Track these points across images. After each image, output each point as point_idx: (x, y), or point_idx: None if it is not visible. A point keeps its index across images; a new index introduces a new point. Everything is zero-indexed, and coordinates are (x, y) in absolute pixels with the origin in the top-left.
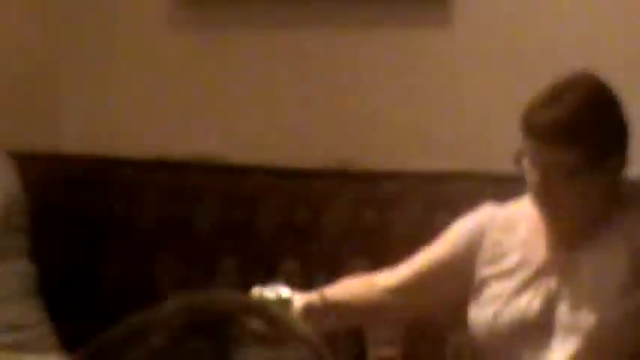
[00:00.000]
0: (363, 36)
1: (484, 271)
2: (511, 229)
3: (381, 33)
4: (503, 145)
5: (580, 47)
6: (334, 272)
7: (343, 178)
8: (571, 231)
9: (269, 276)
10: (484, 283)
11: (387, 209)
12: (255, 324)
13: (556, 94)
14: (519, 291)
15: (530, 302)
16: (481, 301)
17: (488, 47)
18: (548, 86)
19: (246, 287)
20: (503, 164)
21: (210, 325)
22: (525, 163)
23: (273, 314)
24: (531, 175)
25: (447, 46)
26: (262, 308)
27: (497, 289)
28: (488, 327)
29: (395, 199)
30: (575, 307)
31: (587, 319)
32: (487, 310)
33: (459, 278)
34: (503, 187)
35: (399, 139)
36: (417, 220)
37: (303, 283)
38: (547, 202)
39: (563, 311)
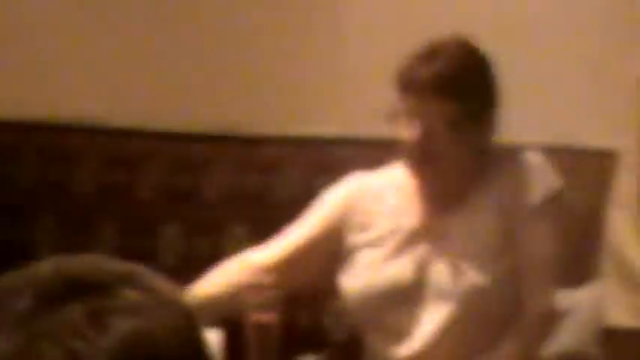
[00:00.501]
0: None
1: (355, 239)
2: (380, 197)
3: None
4: (383, 110)
5: (460, 13)
6: (215, 237)
7: (224, 142)
8: (444, 193)
9: (148, 239)
10: (355, 251)
11: (268, 174)
12: (130, 293)
13: (431, 52)
14: (391, 258)
15: (402, 269)
16: (352, 269)
17: (372, 13)
18: (422, 47)
19: (126, 251)
20: (383, 129)
21: (84, 292)
22: (401, 122)
23: (148, 283)
24: (410, 132)
25: (330, 12)
26: (138, 277)
27: (368, 257)
28: (361, 295)
29: (276, 163)
30: (447, 272)
31: (459, 284)
32: (359, 279)
33: (334, 248)
34: (382, 152)
35: (281, 103)
36: (298, 185)
37: (184, 248)
38: (427, 157)
39: (435, 277)
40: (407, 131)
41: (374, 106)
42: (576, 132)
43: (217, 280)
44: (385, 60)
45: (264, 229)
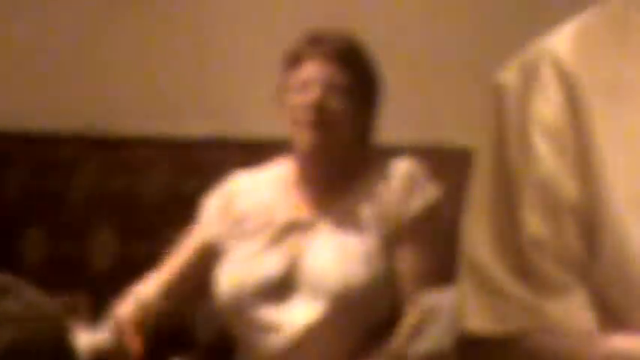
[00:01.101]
0: None
1: (229, 235)
2: (255, 192)
3: None
4: (254, 111)
5: (331, 10)
6: (82, 239)
7: (91, 142)
8: (325, 181)
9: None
10: (228, 246)
11: (135, 175)
12: (9, 304)
13: (322, 35)
14: (263, 252)
15: (273, 263)
16: (225, 264)
17: (240, 10)
18: (306, 36)
19: None
20: (253, 130)
21: None
22: (291, 97)
23: (25, 295)
24: (307, 95)
25: (196, 9)
26: (15, 288)
27: (240, 251)
28: (232, 290)
29: (144, 164)
30: (320, 269)
31: (332, 283)
32: (230, 274)
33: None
34: (253, 154)
35: (148, 102)
36: (166, 187)
37: (50, 251)
38: (323, 120)
39: (307, 272)
40: (301, 97)
41: (245, 107)
42: (440, 131)
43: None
44: (253, 59)
45: (130, 231)
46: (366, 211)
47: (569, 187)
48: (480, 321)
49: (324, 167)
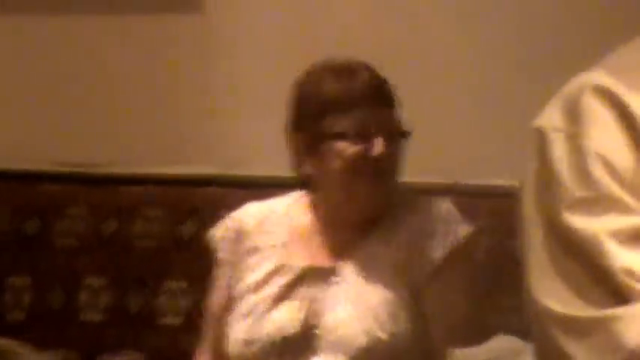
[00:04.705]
0: (106, 24)
1: (240, 279)
2: (267, 232)
3: (125, 20)
4: (254, 146)
5: (340, 39)
6: (68, 287)
7: (80, 182)
8: (351, 227)
9: None
10: (240, 293)
11: (127, 217)
12: None
13: (345, 71)
14: (278, 300)
15: (289, 315)
16: (236, 313)
17: (242, 49)
18: (328, 68)
19: None
20: (255, 168)
21: None
22: (340, 145)
23: None
24: (367, 148)
25: (198, 49)
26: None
27: (253, 299)
28: (243, 343)
29: (135, 205)
30: (341, 323)
31: (355, 338)
32: (242, 324)
33: None
34: (256, 193)
35: (144, 140)
36: (160, 230)
37: (34, 301)
38: (385, 169)
39: (327, 327)
40: (360, 147)
41: (245, 143)
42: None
43: None
44: (254, 98)
45: (123, 278)
46: (392, 257)
47: None
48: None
49: (355, 212)
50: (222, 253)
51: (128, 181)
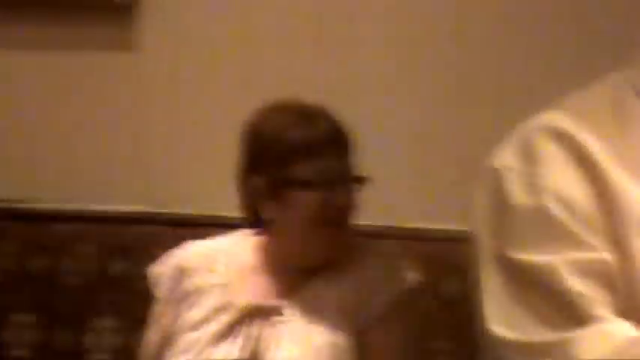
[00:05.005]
0: (34, 58)
1: (179, 316)
2: (210, 271)
3: (55, 55)
4: (190, 184)
5: (275, 76)
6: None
7: (7, 217)
8: (299, 269)
9: None
10: (178, 330)
11: (57, 254)
12: None
13: (306, 116)
14: (220, 338)
15: (229, 351)
16: (176, 349)
17: (179, 87)
18: (286, 111)
19: None
20: (190, 206)
21: None
22: (303, 194)
23: None
24: (333, 197)
25: (134, 83)
26: None
27: (194, 335)
28: None
29: (67, 242)
30: None
31: None
32: None
33: None
34: (185, 231)
35: (74, 175)
36: (92, 268)
37: None
38: (347, 217)
39: None
40: (327, 196)
41: (180, 181)
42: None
43: None
44: (188, 137)
45: (50, 316)
46: (338, 300)
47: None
48: None
49: (309, 260)
50: (161, 291)
51: (56, 217)
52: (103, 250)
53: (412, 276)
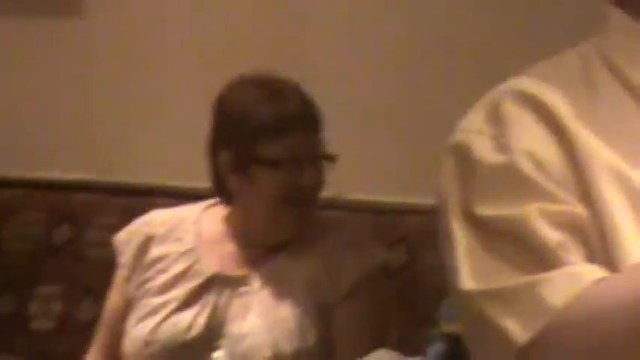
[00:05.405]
0: None
1: (146, 282)
2: (176, 239)
3: (1, 21)
4: (133, 152)
5: (224, 44)
6: None
7: None
8: (266, 244)
9: None
10: (143, 294)
11: (0, 221)
12: None
13: (276, 93)
14: (182, 304)
15: (194, 318)
16: (137, 314)
17: (131, 52)
18: (257, 86)
19: None
20: (133, 174)
21: None
22: (272, 172)
23: None
24: (302, 177)
25: (83, 48)
26: None
27: (156, 301)
28: (142, 345)
29: (10, 209)
30: (246, 335)
31: (260, 348)
32: (142, 326)
33: None
34: (133, 199)
35: (19, 141)
36: (34, 234)
37: None
38: (316, 197)
39: (233, 335)
40: (295, 176)
41: (128, 147)
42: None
43: None
44: (133, 103)
45: None
46: (303, 274)
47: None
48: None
49: (274, 236)
50: (125, 257)
51: (1, 183)
52: (47, 218)
53: (379, 253)
